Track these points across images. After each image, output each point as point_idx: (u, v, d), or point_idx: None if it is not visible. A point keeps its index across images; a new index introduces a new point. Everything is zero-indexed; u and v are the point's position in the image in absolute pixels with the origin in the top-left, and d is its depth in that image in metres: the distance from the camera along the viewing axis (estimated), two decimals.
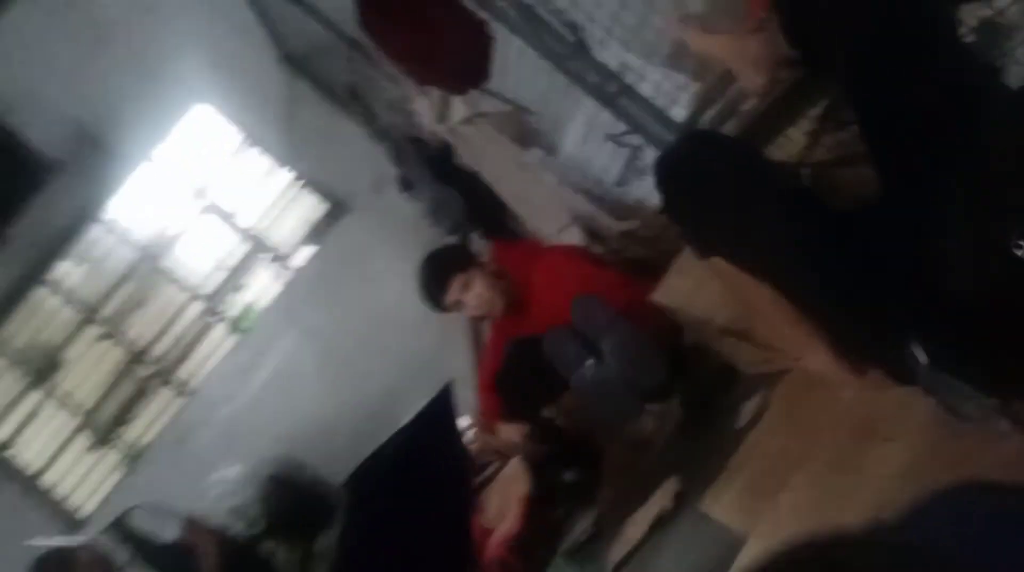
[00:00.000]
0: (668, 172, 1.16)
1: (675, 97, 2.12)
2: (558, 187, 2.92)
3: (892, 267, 1.01)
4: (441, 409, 1.80)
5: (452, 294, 2.30)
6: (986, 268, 0.74)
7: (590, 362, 1.92)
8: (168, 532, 3.37)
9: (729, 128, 1.73)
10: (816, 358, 1.14)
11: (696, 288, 1.67)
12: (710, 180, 1.10)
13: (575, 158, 3.19)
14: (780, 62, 1.41)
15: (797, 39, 1.22)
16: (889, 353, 1.00)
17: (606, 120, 2.71)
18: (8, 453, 4.63)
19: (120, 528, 3.43)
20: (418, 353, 4.07)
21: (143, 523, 3.44)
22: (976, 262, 0.76)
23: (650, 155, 2.81)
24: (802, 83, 1.41)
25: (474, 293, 2.29)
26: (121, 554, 3.32)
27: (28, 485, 4.57)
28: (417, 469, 1.61)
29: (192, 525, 3.34)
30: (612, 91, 1.94)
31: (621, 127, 2.32)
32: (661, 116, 1.88)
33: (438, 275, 2.32)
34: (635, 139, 2.29)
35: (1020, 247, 0.66)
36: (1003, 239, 0.67)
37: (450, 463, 1.85)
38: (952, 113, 0.93)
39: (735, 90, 1.69)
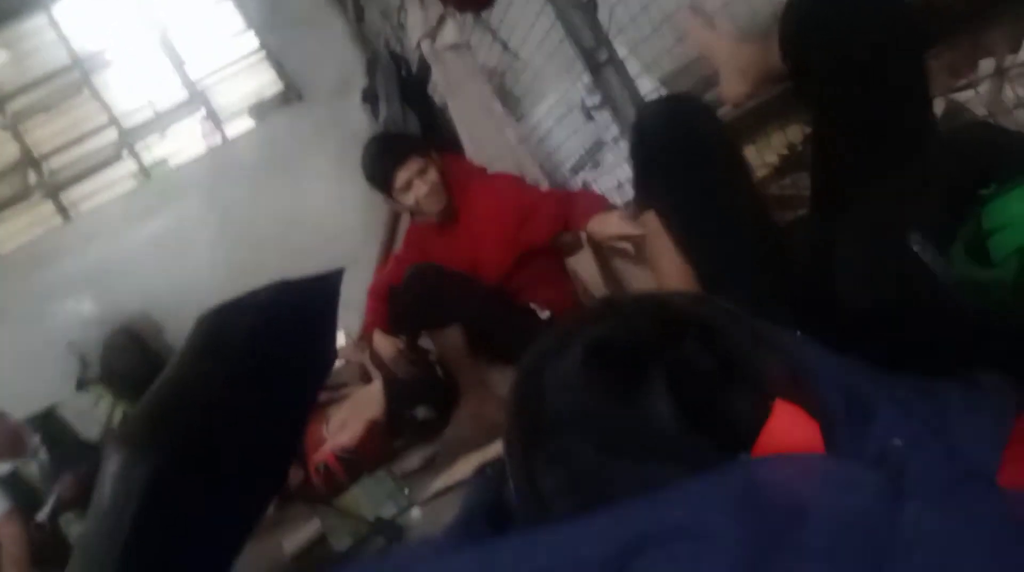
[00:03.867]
0: (649, 117, 1.18)
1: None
2: (516, 146, 2.92)
3: (799, 276, 1.06)
4: (326, 287, 1.74)
5: (406, 173, 2.21)
6: (882, 268, 0.80)
7: None
8: None
9: None
10: None
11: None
12: (685, 137, 1.13)
13: (540, 130, 3.21)
14: (766, 78, 1.47)
15: (792, 53, 1.27)
16: None
17: (578, 101, 2.76)
18: None
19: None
20: (322, 263, 3.94)
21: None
22: (873, 265, 0.82)
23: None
24: (784, 101, 1.46)
25: (426, 179, 2.23)
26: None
27: None
28: (279, 331, 1.54)
29: None
30: (601, 59, 1.97)
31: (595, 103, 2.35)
32: (637, 97, 1.91)
33: (397, 151, 2.25)
34: (604, 114, 2.31)
35: (917, 242, 0.71)
36: (900, 237, 0.72)
37: (312, 343, 1.79)
38: (895, 145, 0.99)
39: (712, 93, 1.74)
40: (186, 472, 1.35)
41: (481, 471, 0.69)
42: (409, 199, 2.28)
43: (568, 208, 2.25)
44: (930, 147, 0.96)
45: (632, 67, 2.18)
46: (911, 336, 0.65)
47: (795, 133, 1.74)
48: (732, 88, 1.58)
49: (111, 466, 1.39)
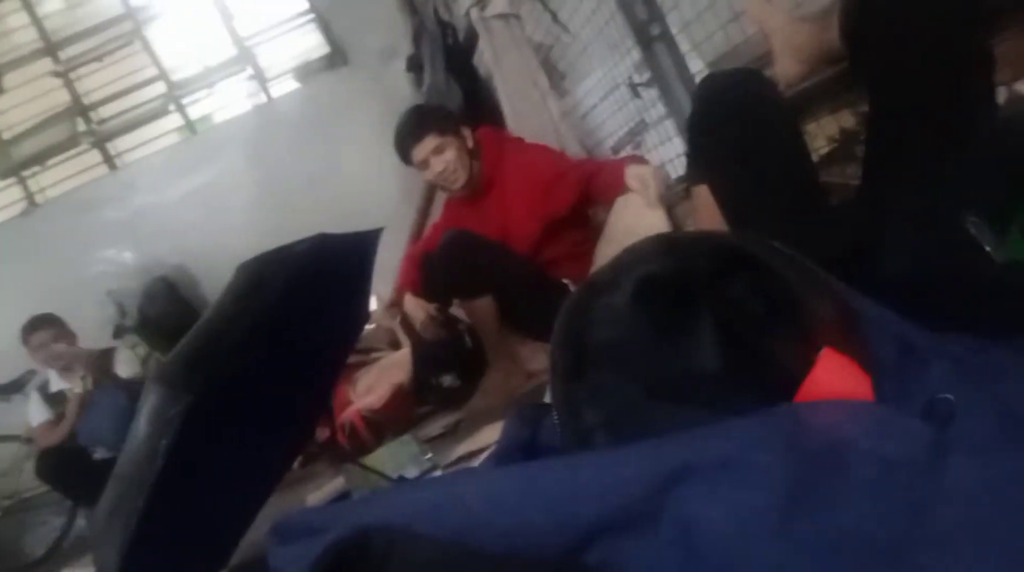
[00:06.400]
0: (712, 88, 1.16)
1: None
2: (558, 122, 2.91)
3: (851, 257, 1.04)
4: (363, 244, 1.76)
5: (422, 151, 2.25)
6: (937, 248, 0.78)
7: None
8: None
9: None
10: None
11: None
12: (748, 111, 1.11)
13: (583, 106, 3.18)
14: (823, 57, 1.43)
15: (852, 29, 1.24)
16: None
17: (624, 78, 2.72)
18: None
19: None
20: (357, 226, 3.97)
21: None
22: (927, 245, 0.80)
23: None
24: (837, 83, 1.43)
25: (443, 158, 2.26)
26: None
27: None
28: (317, 282, 1.56)
29: None
30: (653, 35, 1.94)
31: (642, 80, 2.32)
32: (687, 76, 1.89)
33: (418, 128, 2.28)
34: (651, 92, 2.28)
35: (972, 223, 0.70)
36: (955, 218, 0.71)
37: (346, 298, 1.81)
38: (954, 132, 0.97)
39: (767, 73, 1.71)
40: (219, 413, 1.38)
41: (518, 411, 0.70)
42: (426, 175, 2.31)
43: (594, 178, 2.23)
44: (989, 130, 0.94)
45: (682, 45, 2.16)
46: (964, 316, 0.64)
47: (847, 119, 1.70)
48: (787, 67, 1.55)
49: (149, 402, 1.43)
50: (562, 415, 0.56)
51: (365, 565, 0.41)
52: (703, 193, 1.16)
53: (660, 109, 2.29)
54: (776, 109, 1.18)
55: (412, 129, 2.28)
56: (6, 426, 3.79)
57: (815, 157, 1.76)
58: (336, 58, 4.60)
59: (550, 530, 0.40)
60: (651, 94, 2.30)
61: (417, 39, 4.19)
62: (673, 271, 0.54)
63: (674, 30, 2.08)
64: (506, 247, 2.28)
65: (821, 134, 1.67)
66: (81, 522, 3.74)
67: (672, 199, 1.94)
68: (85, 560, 3.31)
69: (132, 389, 3.26)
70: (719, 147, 1.15)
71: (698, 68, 2.25)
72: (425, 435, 2.32)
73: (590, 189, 2.24)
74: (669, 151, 2.48)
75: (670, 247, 0.58)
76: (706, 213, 1.16)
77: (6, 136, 4.41)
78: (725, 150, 1.14)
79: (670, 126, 2.36)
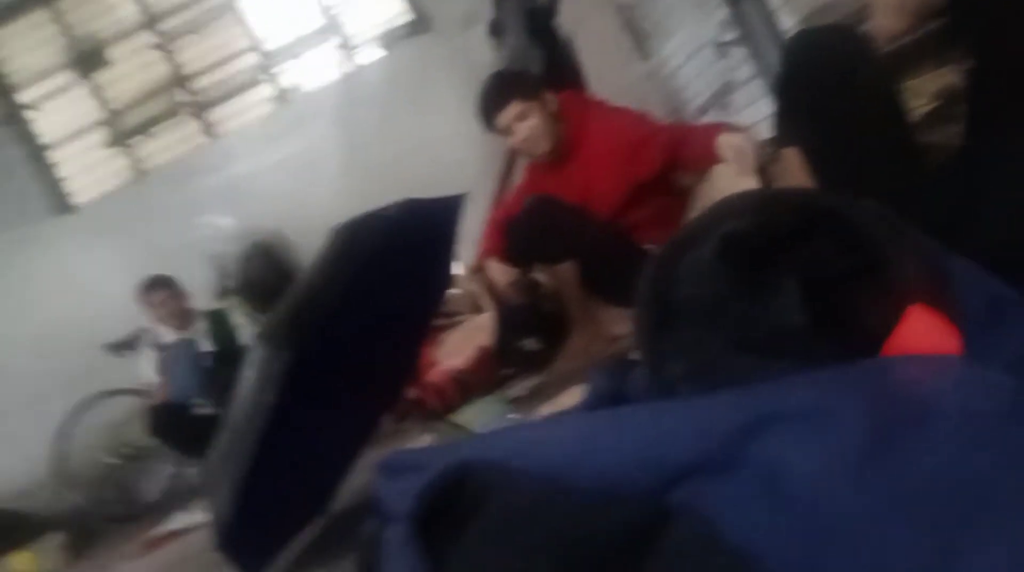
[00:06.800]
0: (800, 46, 1.13)
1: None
2: (642, 83, 2.87)
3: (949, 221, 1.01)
4: (448, 208, 1.81)
5: (505, 117, 2.25)
6: None
7: None
8: None
9: None
10: None
11: None
12: (839, 69, 1.08)
13: (668, 68, 3.13)
14: (924, 11, 1.37)
15: None
16: None
17: (710, 37, 2.65)
18: (28, 115, 4.69)
19: None
20: (441, 192, 4.05)
21: None
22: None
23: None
24: (941, 39, 1.36)
25: (527, 124, 2.25)
26: None
27: (35, 153, 4.65)
28: (405, 243, 1.62)
29: None
30: None
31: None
32: (777, 33, 1.83)
33: (501, 94, 2.28)
34: (739, 51, 2.22)
35: None
36: None
37: (433, 259, 1.87)
38: None
39: (864, 28, 1.64)
40: (317, 369, 1.47)
41: (604, 366, 0.72)
42: (510, 141, 2.31)
43: (682, 145, 2.18)
44: None
45: (772, 1, 2.09)
46: None
47: (950, 76, 1.62)
48: (886, 22, 1.48)
49: (254, 359, 1.54)
50: (648, 366, 0.58)
51: (465, 497, 0.45)
52: (793, 156, 1.14)
53: (748, 69, 2.23)
54: (870, 67, 1.14)
55: (495, 95, 2.28)
56: (121, 380, 4.09)
57: (916, 116, 1.68)
58: (419, 24, 4.64)
59: (638, 470, 0.43)
60: (739, 53, 2.24)
61: (499, 2, 4.19)
62: (758, 227, 0.55)
63: None
64: (588, 212, 2.28)
65: (923, 92, 1.59)
66: (190, 470, 4.03)
67: (762, 162, 1.89)
68: (196, 505, 3.57)
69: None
70: (809, 108, 1.12)
71: (789, 25, 2.18)
72: (510, 396, 2.38)
73: (678, 156, 2.19)
74: (758, 112, 2.42)
75: (755, 204, 0.58)
76: (796, 176, 1.14)
77: (113, 107, 4.68)
78: (815, 111, 1.11)
79: (759, 86, 2.30)
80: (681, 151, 2.17)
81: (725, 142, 1.97)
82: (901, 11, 1.44)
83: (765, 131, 2.32)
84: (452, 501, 0.45)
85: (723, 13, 2.22)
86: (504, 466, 0.45)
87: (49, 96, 4.69)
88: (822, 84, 1.10)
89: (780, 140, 1.19)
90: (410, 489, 0.47)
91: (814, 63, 1.12)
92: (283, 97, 4.72)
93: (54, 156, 4.67)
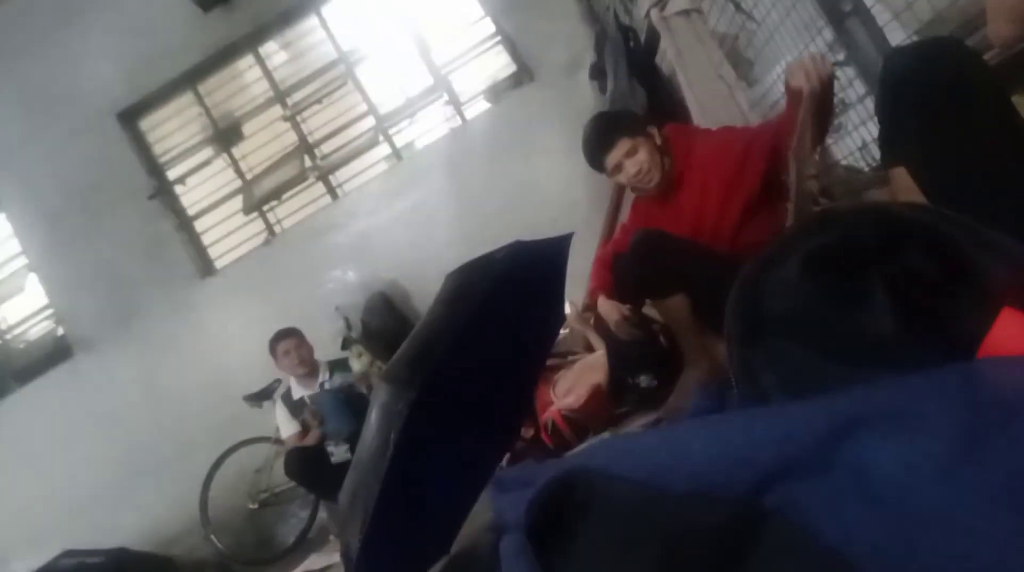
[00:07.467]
0: (899, 63, 1.11)
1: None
2: (747, 111, 2.85)
3: None
4: (556, 248, 1.86)
5: (615, 155, 2.29)
6: None
7: None
8: None
9: None
10: None
11: None
12: (943, 83, 1.05)
13: (773, 94, 3.08)
14: None
15: None
16: None
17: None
18: (177, 189, 5.18)
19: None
20: (551, 232, 4.12)
21: None
22: None
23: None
24: None
25: (636, 159, 2.28)
26: None
27: (185, 223, 5.12)
28: (515, 284, 1.68)
29: None
30: (845, 10, 1.86)
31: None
32: (886, 50, 1.79)
33: (608, 133, 2.32)
34: (848, 71, 2.17)
35: None
36: None
37: (543, 299, 1.92)
38: None
39: (979, 36, 1.58)
40: (438, 408, 1.53)
41: (706, 387, 0.73)
42: (620, 178, 2.33)
43: (776, 135, 2.10)
44: None
45: (881, 17, 2.04)
46: None
47: None
48: (1001, 28, 1.42)
49: (379, 399, 1.63)
50: (739, 379, 0.60)
51: (572, 502, 0.48)
52: (902, 175, 1.11)
53: (859, 88, 2.17)
54: (978, 78, 1.10)
55: (601, 135, 2.33)
56: (259, 429, 4.36)
57: None
58: (523, 75, 4.81)
59: (731, 473, 0.44)
60: (847, 73, 2.19)
61: (599, 46, 4.28)
62: (840, 244, 0.56)
63: (869, 2, 1.97)
64: (697, 243, 2.26)
65: None
66: (322, 514, 4.21)
67: (870, 183, 1.82)
68: (328, 548, 3.73)
69: (350, 391, 3.65)
70: (917, 126, 1.09)
71: (899, 40, 2.11)
72: (626, 432, 2.37)
73: (777, 144, 2.13)
74: (870, 133, 2.35)
75: (835, 221, 0.59)
76: (907, 196, 1.11)
77: (249, 177, 5.09)
78: (924, 129, 1.08)
79: (871, 105, 2.23)
80: (777, 138, 2.11)
81: (789, 71, 1.88)
82: (1016, 16, 1.38)
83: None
84: (560, 509, 0.48)
85: (828, 34, 2.19)
86: (605, 472, 0.48)
87: (194, 170, 5.18)
88: (928, 101, 1.07)
89: (887, 160, 1.16)
90: (521, 500, 0.50)
91: (911, 82, 1.09)
92: (398, 155, 4.99)
93: (200, 225, 5.13)
